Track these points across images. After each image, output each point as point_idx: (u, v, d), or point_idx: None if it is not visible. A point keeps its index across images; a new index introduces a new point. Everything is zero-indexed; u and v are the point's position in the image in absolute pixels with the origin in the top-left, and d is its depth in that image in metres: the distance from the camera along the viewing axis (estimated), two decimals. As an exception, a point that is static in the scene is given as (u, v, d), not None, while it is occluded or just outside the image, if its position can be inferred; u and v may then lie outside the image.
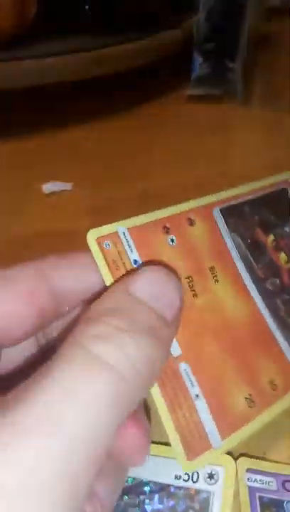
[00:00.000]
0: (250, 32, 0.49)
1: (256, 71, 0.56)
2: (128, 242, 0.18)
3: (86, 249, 0.17)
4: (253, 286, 0.20)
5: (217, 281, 0.19)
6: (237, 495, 0.17)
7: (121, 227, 0.18)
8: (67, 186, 0.37)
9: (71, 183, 0.37)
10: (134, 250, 0.18)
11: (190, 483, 0.17)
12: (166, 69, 0.54)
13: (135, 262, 0.17)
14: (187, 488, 0.17)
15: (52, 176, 0.38)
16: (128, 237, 0.18)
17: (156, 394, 0.15)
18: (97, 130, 0.46)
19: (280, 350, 0.19)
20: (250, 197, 0.23)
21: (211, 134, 0.44)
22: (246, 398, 0.17)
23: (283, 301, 0.21)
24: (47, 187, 0.36)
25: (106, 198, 0.35)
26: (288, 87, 0.52)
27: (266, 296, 0.21)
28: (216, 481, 0.16)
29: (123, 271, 0.17)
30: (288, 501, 0.17)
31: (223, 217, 0.22)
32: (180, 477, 0.17)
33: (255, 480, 0.17)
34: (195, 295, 0.18)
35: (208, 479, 0.17)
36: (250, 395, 0.17)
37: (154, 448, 0.18)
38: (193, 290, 0.18)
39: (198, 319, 0.18)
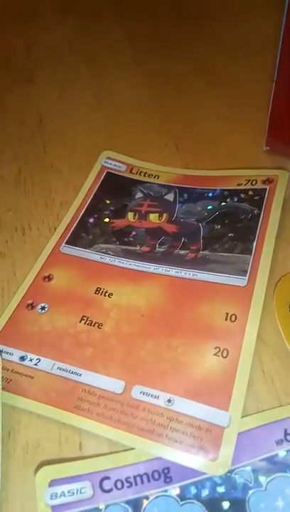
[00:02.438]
0: None
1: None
2: None
3: None
4: (148, 265, 0.19)
5: (110, 295, 0.17)
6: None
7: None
8: None
9: None
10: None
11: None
12: None
13: None
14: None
15: None
16: None
17: None
18: None
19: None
20: (84, 206, 0.23)
21: None
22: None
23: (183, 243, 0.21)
24: None
25: None
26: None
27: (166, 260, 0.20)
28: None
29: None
30: (108, 505, 0.13)
31: (70, 249, 0.21)
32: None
33: (62, 494, 0.13)
34: (99, 325, 0.16)
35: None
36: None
37: None
38: (94, 324, 0.16)
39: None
